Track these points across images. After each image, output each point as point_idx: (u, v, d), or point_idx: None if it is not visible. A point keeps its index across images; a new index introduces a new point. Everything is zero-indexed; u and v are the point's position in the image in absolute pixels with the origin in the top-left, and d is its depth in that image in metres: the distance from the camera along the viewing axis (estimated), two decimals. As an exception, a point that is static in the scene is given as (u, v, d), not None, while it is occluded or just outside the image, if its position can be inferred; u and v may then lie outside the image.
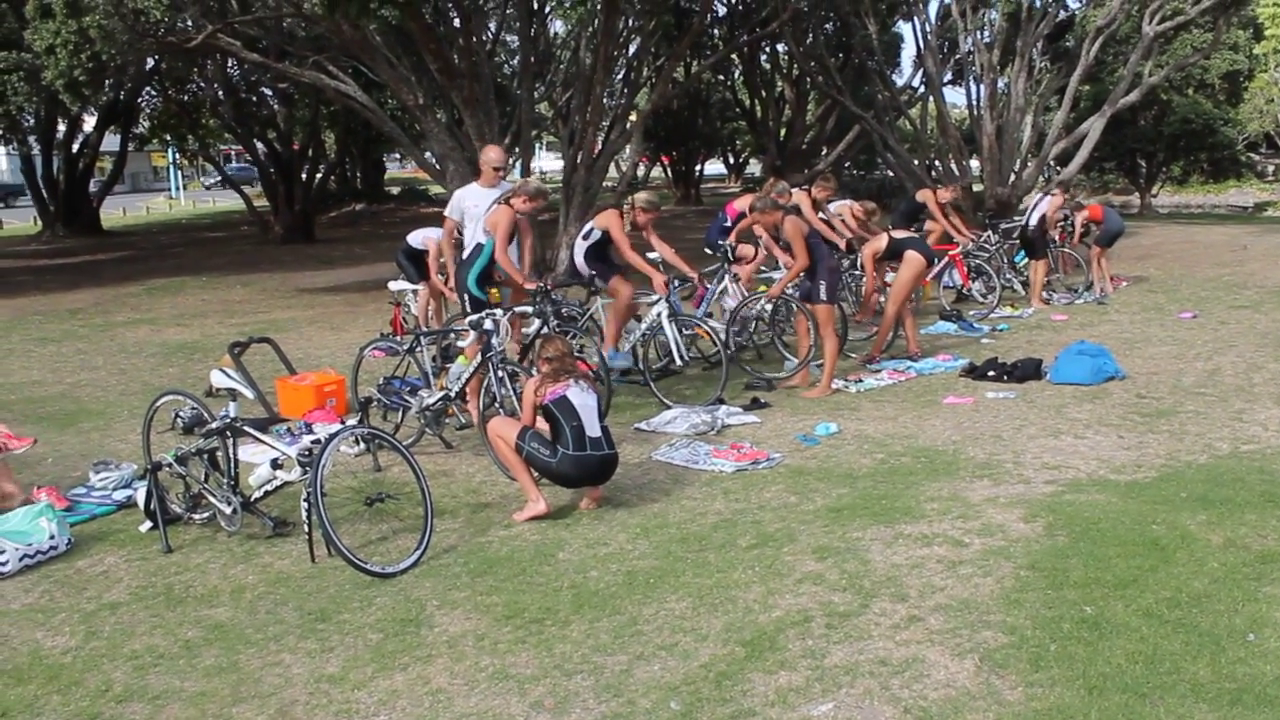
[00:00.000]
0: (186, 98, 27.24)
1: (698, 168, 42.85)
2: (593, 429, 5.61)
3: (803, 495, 5.77)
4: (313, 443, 5.20)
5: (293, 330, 12.69)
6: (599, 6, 12.15)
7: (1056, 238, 13.47)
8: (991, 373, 8.67)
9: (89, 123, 30.25)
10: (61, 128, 29.22)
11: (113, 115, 28.32)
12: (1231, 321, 10.88)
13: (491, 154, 8.08)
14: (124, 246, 27.99)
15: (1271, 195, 33.26)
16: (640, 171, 32.64)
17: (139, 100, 28.53)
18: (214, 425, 5.58)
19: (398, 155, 53.12)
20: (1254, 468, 5.87)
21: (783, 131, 31.47)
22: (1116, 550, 4.57)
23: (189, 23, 13.61)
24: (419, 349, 7.11)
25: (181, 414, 7.89)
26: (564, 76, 23.63)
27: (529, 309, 7.19)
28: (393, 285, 10.29)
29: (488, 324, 6.47)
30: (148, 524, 5.74)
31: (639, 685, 3.72)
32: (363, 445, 5.75)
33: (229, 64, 23.35)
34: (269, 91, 26.51)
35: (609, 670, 3.86)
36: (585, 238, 8.29)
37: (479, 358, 6.54)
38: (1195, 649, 3.67)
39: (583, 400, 5.66)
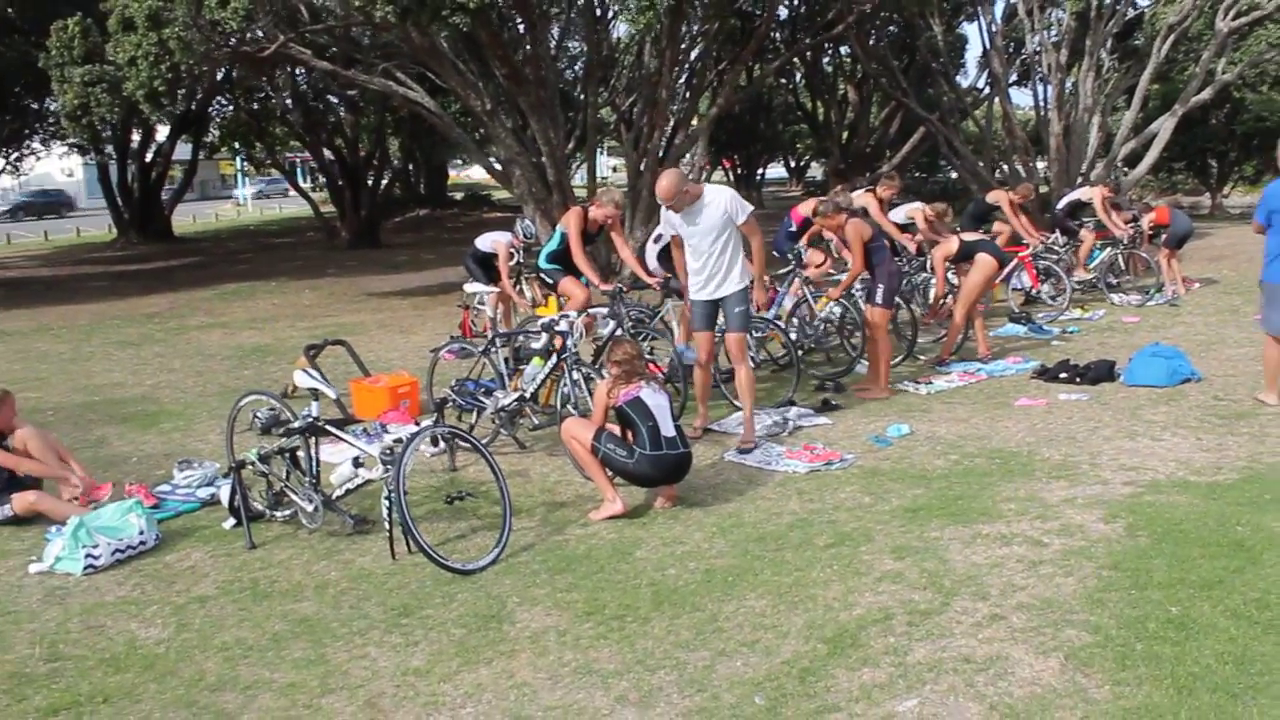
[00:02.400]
0: (255, 106, 27.80)
1: (759, 171, 42.82)
2: (668, 429, 5.66)
3: (878, 496, 5.77)
4: (394, 441, 5.29)
5: (362, 334, 12.88)
6: (664, 10, 12.17)
7: (1125, 238, 13.26)
8: (1063, 375, 8.58)
9: (161, 132, 31.01)
10: (135, 138, 29.96)
11: (184, 124, 28.97)
12: (1311, 323, 10.63)
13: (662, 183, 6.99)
14: (195, 252, 28.64)
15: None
16: (702, 175, 32.74)
17: (209, 109, 29.15)
18: (296, 424, 5.70)
19: (459, 161, 53.70)
20: (1340, 470, 5.76)
21: (846, 135, 31.33)
22: (1200, 551, 4.52)
23: (261, 33, 13.88)
24: (494, 351, 7.20)
25: (259, 414, 8.06)
26: (626, 81, 23.76)
27: (603, 310, 7.27)
28: (468, 287, 10.43)
29: (562, 325, 6.55)
30: (231, 521, 5.90)
31: (722, 680, 3.76)
32: (441, 444, 5.83)
33: (297, 72, 23.78)
34: (335, 99, 26.95)
35: (692, 666, 3.90)
36: (656, 240, 8.36)
37: (554, 359, 6.62)
38: None
39: (656, 400, 5.71)
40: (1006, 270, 11.93)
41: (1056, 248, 12.67)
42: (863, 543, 5.02)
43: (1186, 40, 20.97)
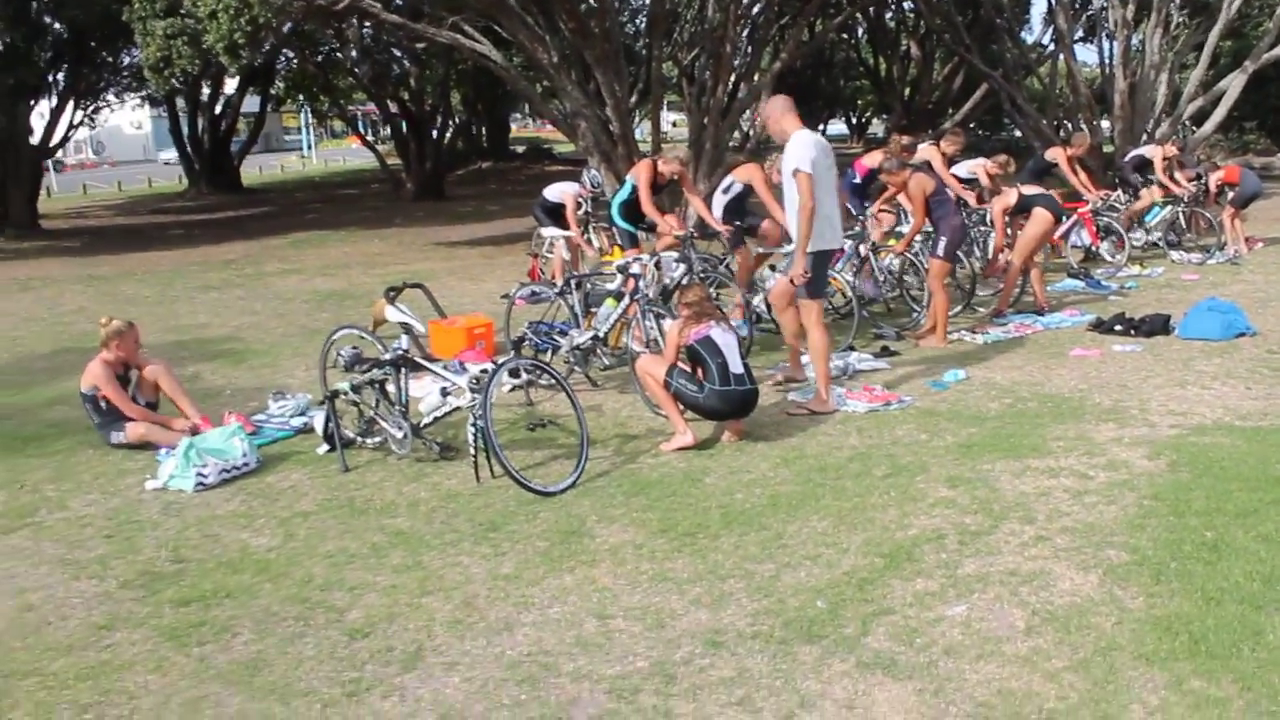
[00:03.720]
0: (320, 59, 28.26)
1: (820, 127, 42.58)
2: (736, 366, 6.00)
3: (933, 433, 6.08)
4: (481, 371, 5.69)
5: (433, 280, 13.20)
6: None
7: (1187, 196, 13.28)
8: (1119, 327, 8.77)
9: (230, 85, 31.66)
10: (205, 90, 30.63)
11: (253, 77, 29.55)
12: (1374, 282, 10.70)
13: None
14: (263, 203, 29.33)
15: None
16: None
17: (276, 63, 29.68)
18: (388, 356, 6.13)
19: (519, 114, 53.97)
20: (1384, 418, 5.96)
21: (908, 91, 31.15)
22: (1238, 485, 4.79)
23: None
24: (569, 293, 7.57)
25: (342, 353, 8.51)
26: (689, 36, 23.84)
27: (674, 255, 7.61)
28: (544, 232, 10.87)
29: (635, 268, 6.89)
30: (325, 447, 6.35)
31: (787, 588, 4.12)
32: (523, 376, 6.21)
33: (365, 26, 24.15)
34: (399, 52, 27.31)
35: (759, 576, 4.26)
36: (725, 191, 8.65)
37: (627, 299, 6.97)
38: None
39: (725, 340, 6.05)
40: (1066, 226, 12.08)
41: (1118, 204, 12.75)
42: (918, 473, 5.34)
43: (1260, -5, 20.66)
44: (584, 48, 15.60)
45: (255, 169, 42.28)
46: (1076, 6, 21.44)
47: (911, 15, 29.56)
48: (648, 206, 7.82)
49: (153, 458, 6.26)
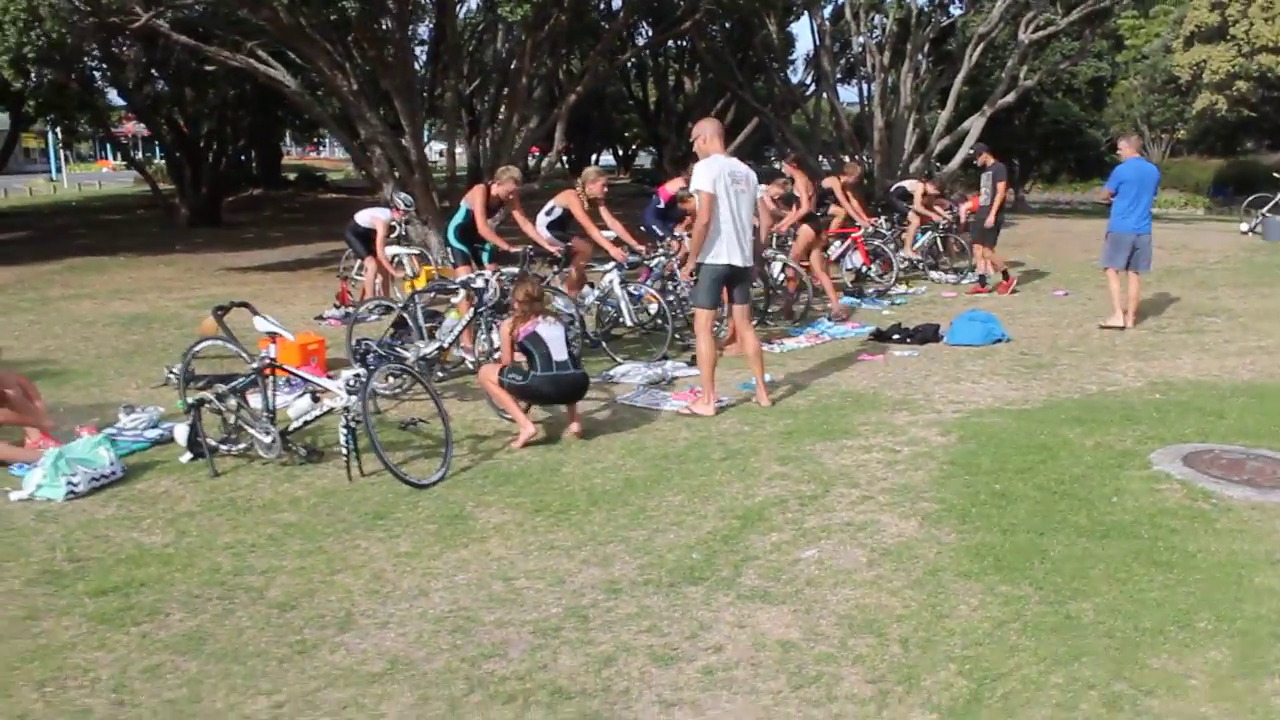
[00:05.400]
0: (76, 77, 27.04)
1: (594, 158, 43.93)
2: (560, 354, 6.61)
3: (755, 425, 6.92)
4: (355, 376, 6.11)
5: (239, 304, 13.32)
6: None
7: (944, 224, 14.92)
8: (896, 336, 9.97)
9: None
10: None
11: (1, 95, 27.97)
12: (1097, 298, 12.39)
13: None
14: (20, 227, 27.73)
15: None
16: (532, 162, 33.72)
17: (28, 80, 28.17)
18: (254, 364, 6.45)
19: (288, 141, 52.83)
20: (1116, 401, 7.26)
21: (682, 124, 32.69)
22: (1014, 450, 5.87)
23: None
24: (414, 305, 8.03)
25: (174, 370, 8.65)
26: (468, 68, 24.39)
27: (513, 270, 8.20)
28: (389, 250, 11.33)
29: (478, 283, 7.45)
30: (188, 455, 6.57)
31: (662, 547, 4.80)
32: (398, 380, 6.65)
33: (155, 47, 23.44)
34: (180, 74, 26.51)
35: (634, 540, 4.92)
36: (548, 214, 9.32)
37: (471, 312, 7.52)
38: (1076, 507, 4.98)
39: (550, 333, 6.66)
40: (840, 250, 13.43)
41: (884, 231, 14.21)
42: (751, 456, 6.14)
43: (994, 48, 23.15)
44: (382, 76, 15.94)
45: None
46: (837, 49, 23.34)
47: (686, 52, 31.10)
48: (484, 229, 8.36)
49: (6, 473, 6.31)
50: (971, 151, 14.55)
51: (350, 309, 12.16)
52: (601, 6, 19.99)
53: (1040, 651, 3.68)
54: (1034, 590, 4.13)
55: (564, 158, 44.73)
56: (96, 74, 26.33)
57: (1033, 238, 19.80)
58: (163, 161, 34.45)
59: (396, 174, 16.03)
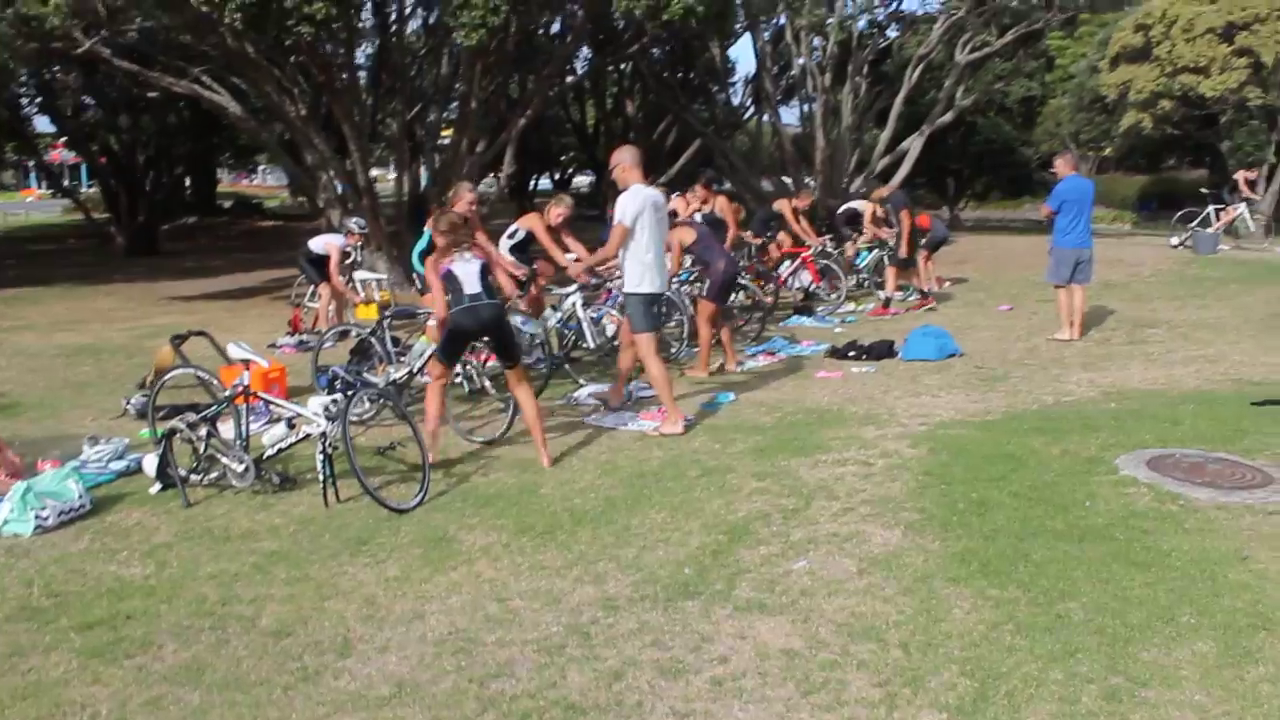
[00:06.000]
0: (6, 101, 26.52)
1: (531, 182, 43.85)
2: (471, 287, 6.61)
3: (725, 442, 7.01)
4: (332, 401, 6.10)
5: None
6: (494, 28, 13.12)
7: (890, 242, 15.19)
8: (852, 353, 10.14)
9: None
10: None
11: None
12: (1041, 311, 12.73)
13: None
14: (-58, 259, 27.10)
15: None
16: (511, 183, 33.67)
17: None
18: (228, 392, 6.41)
19: (227, 168, 52.18)
20: (1073, 410, 7.48)
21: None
22: (984, 460, 6.04)
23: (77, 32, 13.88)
24: (382, 330, 8.03)
25: (132, 402, 8.55)
26: (409, 92, 24.34)
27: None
28: (359, 275, 11.28)
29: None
30: (158, 486, 6.49)
31: (653, 563, 4.86)
32: (375, 404, 6.63)
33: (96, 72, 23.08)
34: (113, 99, 26.11)
35: (624, 557, 4.97)
36: (511, 237, 9.38)
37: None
38: (1052, 512, 5.16)
39: (465, 269, 6.65)
40: (790, 269, 13.64)
41: (830, 250, 14.43)
42: (727, 472, 6.23)
43: (932, 69, 23.64)
44: (332, 101, 15.90)
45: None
46: (776, 71, 23.69)
47: (627, 76, 31.28)
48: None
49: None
50: (869, 200, 14.87)
51: (305, 336, 12.10)
52: (543, 32, 20.05)
53: (1036, 650, 3.81)
54: (1022, 593, 4.27)
55: (500, 182, 44.75)
56: (24, 100, 25.86)
57: (973, 255, 20.19)
58: (93, 189, 33.77)
59: (346, 201, 15.99)
